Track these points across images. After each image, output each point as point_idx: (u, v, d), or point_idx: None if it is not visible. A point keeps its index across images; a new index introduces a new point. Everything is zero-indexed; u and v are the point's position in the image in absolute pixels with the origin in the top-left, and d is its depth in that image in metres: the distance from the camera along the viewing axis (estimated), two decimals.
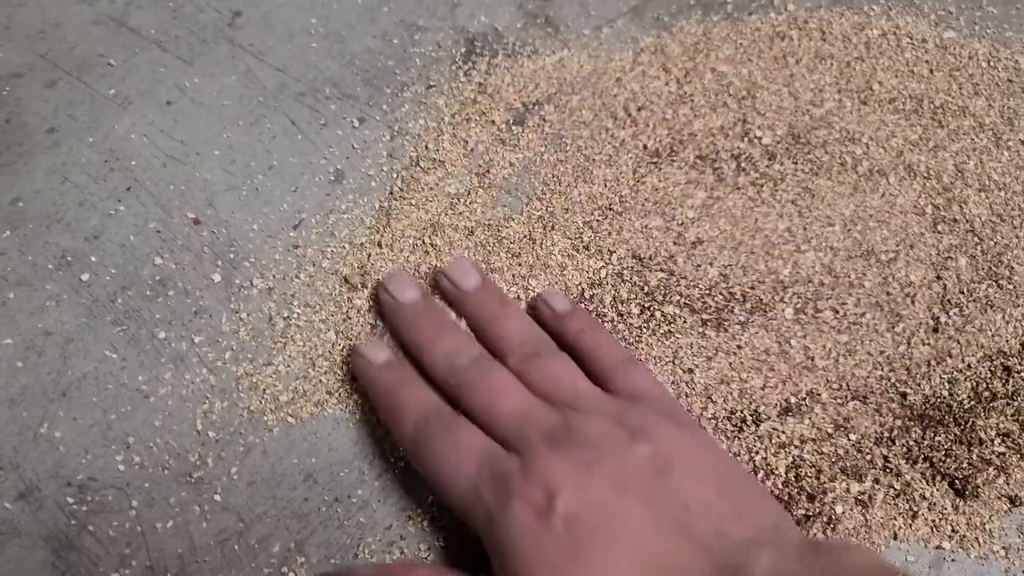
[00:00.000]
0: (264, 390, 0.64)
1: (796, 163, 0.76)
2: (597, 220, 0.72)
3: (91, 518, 0.60)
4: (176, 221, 0.70)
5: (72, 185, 0.71)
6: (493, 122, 0.76)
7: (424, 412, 0.56)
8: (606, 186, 0.74)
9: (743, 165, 0.75)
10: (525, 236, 0.71)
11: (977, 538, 0.63)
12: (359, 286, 0.68)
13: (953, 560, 0.62)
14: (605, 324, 0.68)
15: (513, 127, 0.76)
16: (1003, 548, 0.63)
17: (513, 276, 0.69)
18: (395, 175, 0.73)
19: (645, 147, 0.76)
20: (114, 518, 0.60)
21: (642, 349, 0.67)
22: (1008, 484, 0.64)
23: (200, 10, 0.81)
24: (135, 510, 0.60)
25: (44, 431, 0.62)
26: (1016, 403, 0.67)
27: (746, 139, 0.77)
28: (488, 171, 0.74)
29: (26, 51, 0.77)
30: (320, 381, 0.65)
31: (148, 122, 0.74)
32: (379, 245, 0.70)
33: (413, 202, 0.72)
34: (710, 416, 0.65)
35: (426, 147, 0.74)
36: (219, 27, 0.80)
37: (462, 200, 0.73)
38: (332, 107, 0.76)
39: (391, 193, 0.72)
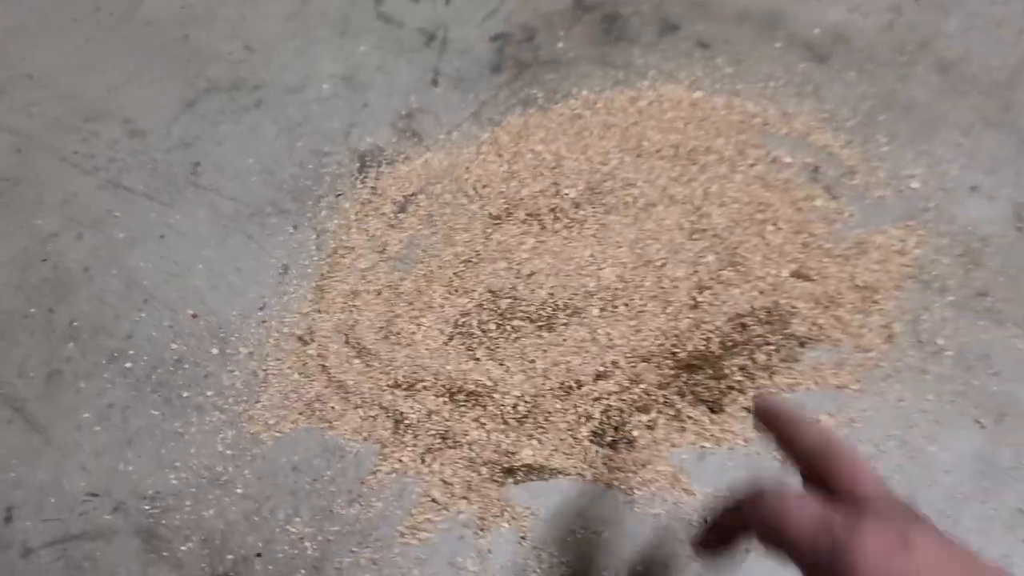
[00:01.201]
0: (258, 419, 0.99)
1: (594, 207, 1.11)
2: (462, 270, 1.08)
3: (162, 516, 0.94)
4: (181, 317, 1.05)
5: (108, 306, 1.06)
6: (384, 213, 1.12)
7: None
8: (465, 245, 1.09)
9: (557, 215, 1.11)
10: (415, 289, 1.06)
11: (726, 437, 0.98)
12: (309, 341, 1.03)
13: (712, 454, 0.97)
14: (474, 341, 1.03)
15: (398, 215, 1.11)
16: (743, 440, 0.98)
17: (410, 318, 1.04)
18: (322, 262, 1.08)
19: (490, 214, 1.11)
20: (176, 514, 0.95)
21: (499, 353, 1.02)
22: (744, 399, 1.00)
23: (171, 166, 1.16)
24: (188, 506, 0.95)
25: (121, 468, 0.97)
26: (750, 347, 1.02)
27: (558, 196, 1.12)
28: (385, 248, 1.09)
29: (57, 216, 1.12)
30: (292, 408, 1.00)
31: (150, 252, 1.09)
32: (319, 311, 1.05)
33: (337, 279, 1.07)
34: (547, 389, 1.00)
35: (341, 239, 1.10)
36: (186, 176, 1.15)
37: (370, 272, 1.08)
38: (273, 221, 1.11)
39: (322, 275, 1.07)
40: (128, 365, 1.02)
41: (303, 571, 0.92)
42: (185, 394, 1.00)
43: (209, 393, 1.00)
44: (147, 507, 0.95)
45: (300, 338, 1.03)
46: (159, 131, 1.18)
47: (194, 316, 1.04)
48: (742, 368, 1.01)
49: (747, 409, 0.99)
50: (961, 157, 1.13)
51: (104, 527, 0.94)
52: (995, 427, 0.96)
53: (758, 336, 1.03)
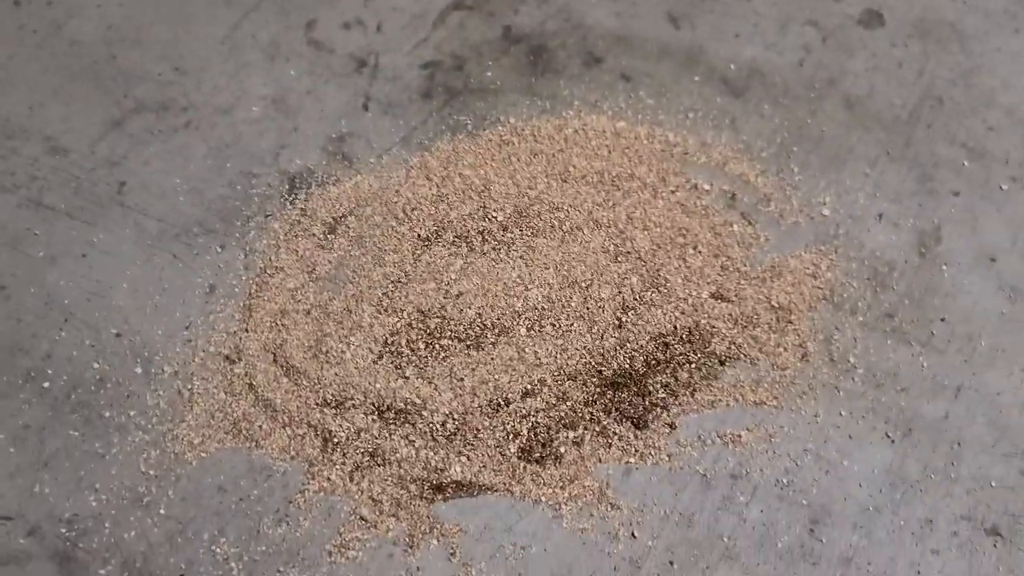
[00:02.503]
0: (182, 438, 0.97)
1: (521, 230, 1.14)
2: (391, 290, 1.08)
3: (80, 539, 0.92)
4: (104, 337, 1.03)
5: (25, 324, 1.03)
6: (314, 234, 1.12)
7: None
8: (395, 266, 1.10)
9: (486, 237, 1.13)
10: (344, 309, 1.07)
11: (650, 452, 1.01)
12: (236, 360, 1.02)
13: (637, 468, 0.99)
14: (403, 360, 1.04)
15: (328, 235, 1.12)
16: (667, 456, 1.00)
17: (339, 337, 1.05)
18: (251, 282, 1.08)
19: (419, 235, 1.13)
20: (95, 537, 0.92)
21: (428, 371, 1.03)
22: (668, 416, 1.03)
23: (95, 184, 1.14)
24: (108, 528, 0.92)
25: (37, 490, 0.94)
26: (672, 365, 1.06)
27: (486, 219, 1.14)
28: (314, 268, 1.09)
29: None
30: (219, 427, 0.98)
31: (71, 271, 1.07)
32: (246, 330, 1.04)
33: (265, 298, 1.07)
34: (476, 406, 1.01)
35: (270, 259, 1.10)
36: (111, 195, 1.13)
37: (299, 291, 1.08)
38: (200, 240, 1.11)
39: (250, 294, 1.07)
40: (46, 385, 0.99)
41: None
42: (106, 414, 0.98)
43: (132, 413, 0.99)
44: (64, 530, 0.92)
45: (227, 357, 1.02)
46: (83, 150, 1.17)
47: (117, 335, 1.03)
48: (665, 386, 1.04)
49: (670, 425, 1.02)
50: (868, 187, 1.19)
51: (18, 551, 0.91)
52: (903, 441, 1.01)
53: (680, 355, 1.06)
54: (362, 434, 0.99)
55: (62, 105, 1.21)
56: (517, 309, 1.08)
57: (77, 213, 1.12)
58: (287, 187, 1.15)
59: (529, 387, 1.03)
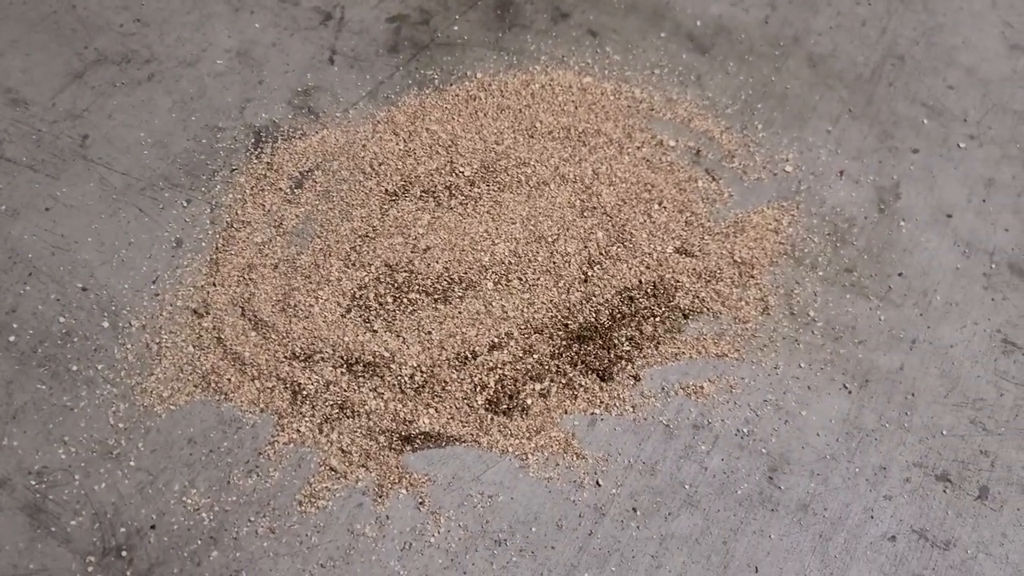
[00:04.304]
0: (151, 392, 0.98)
1: (488, 185, 1.14)
2: (359, 245, 1.09)
3: (50, 491, 0.92)
4: (70, 291, 1.03)
5: None
6: (280, 188, 1.12)
7: None
8: (362, 221, 1.10)
9: (453, 192, 1.13)
10: (312, 263, 1.07)
11: (615, 404, 1.03)
12: (204, 314, 1.02)
13: (602, 419, 1.02)
14: (371, 313, 1.05)
15: (295, 190, 1.12)
16: (631, 407, 1.03)
17: (307, 291, 1.05)
18: (217, 236, 1.08)
19: (386, 190, 1.13)
20: (65, 488, 0.93)
21: (396, 325, 1.04)
22: (632, 368, 1.05)
23: (56, 137, 1.13)
24: (78, 480, 0.93)
25: (5, 443, 0.94)
26: (637, 319, 1.07)
27: (453, 174, 1.15)
28: (281, 223, 1.10)
29: None
30: (188, 380, 0.99)
31: (35, 225, 1.06)
32: (214, 284, 1.04)
33: (232, 252, 1.07)
34: (444, 359, 1.02)
35: (236, 213, 1.09)
36: (73, 148, 1.12)
37: (266, 246, 1.08)
38: (166, 195, 1.10)
39: (217, 248, 1.07)
40: (11, 339, 0.99)
41: (199, 541, 0.91)
42: (74, 368, 0.98)
43: (100, 367, 0.99)
44: (33, 483, 0.93)
45: (195, 311, 1.02)
46: (44, 102, 1.15)
47: (84, 289, 1.02)
48: (630, 339, 1.06)
49: (635, 377, 1.04)
50: (829, 144, 1.21)
51: None
52: (860, 392, 1.04)
53: (645, 308, 1.08)
54: (331, 387, 1.00)
55: (22, 56, 1.19)
56: (484, 263, 1.09)
57: (39, 166, 1.10)
58: (253, 141, 1.14)
59: (496, 340, 1.04)
